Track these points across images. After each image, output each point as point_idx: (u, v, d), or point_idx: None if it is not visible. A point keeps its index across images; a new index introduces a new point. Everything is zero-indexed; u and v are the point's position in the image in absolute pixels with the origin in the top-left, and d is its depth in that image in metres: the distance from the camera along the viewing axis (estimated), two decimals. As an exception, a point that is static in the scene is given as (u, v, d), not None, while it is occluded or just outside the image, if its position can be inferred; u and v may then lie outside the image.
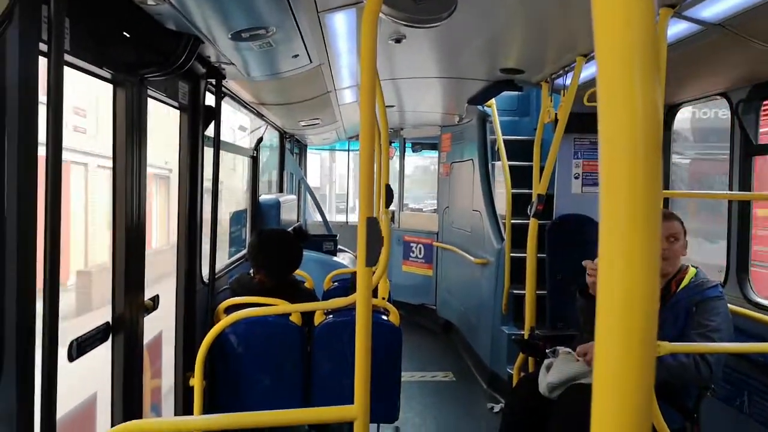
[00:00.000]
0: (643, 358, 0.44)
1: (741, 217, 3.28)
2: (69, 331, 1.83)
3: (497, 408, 4.46)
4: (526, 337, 3.48)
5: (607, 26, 0.44)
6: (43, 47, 1.51)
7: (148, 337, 2.48)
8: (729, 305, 2.65)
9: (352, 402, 1.40)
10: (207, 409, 2.69)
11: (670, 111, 3.88)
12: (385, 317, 3.08)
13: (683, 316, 2.58)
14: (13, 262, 1.43)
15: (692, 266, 2.71)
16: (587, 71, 3.09)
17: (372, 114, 1.29)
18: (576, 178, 4.52)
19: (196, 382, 2.58)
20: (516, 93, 5.32)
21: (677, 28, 2.33)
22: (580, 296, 2.92)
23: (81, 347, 1.92)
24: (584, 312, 2.91)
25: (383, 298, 3.22)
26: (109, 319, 2.21)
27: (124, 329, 2.24)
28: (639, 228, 0.43)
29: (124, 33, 2.03)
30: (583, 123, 3.85)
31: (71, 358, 1.87)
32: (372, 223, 1.28)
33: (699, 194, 3.77)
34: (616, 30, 0.44)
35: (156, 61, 2.20)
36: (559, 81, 3.40)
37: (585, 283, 2.81)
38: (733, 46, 2.42)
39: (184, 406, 2.89)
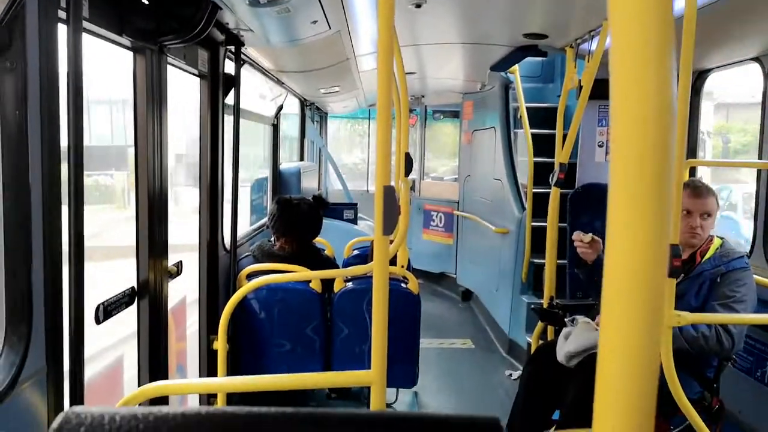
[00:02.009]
0: (650, 330, 0.44)
1: (770, 187, 3.20)
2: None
3: (515, 375, 4.50)
4: (545, 306, 3.48)
5: None
6: (62, 15, 1.51)
7: (172, 302, 2.54)
8: (754, 276, 2.61)
9: (370, 367, 1.43)
10: (230, 372, 2.76)
11: (700, 77, 3.76)
12: (404, 285, 3.11)
13: (707, 286, 2.55)
14: (39, 228, 1.47)
15: (718, 237, 2.67)
16: (613, 36, 2.99)
17: (389, 81, 1.27)
18: (600, 146, 4.43)
19: (220, 345, 2.64)
20: (540, 59, 5.21)
21: (709, -11, 2.24)
22: (578, 270, 2.94)
23: (107, 310, 1.98)
24: (588, 282, 2.95)
25: (402, 267, 3.24)
26: (135, 284, 2.26)
27: (149, 294, 2.29)
28: (648, 196, 0.43)
29: (143, 0, 2.03)
30: (608, 90, 3.75)
31: (98, 321, 1.93)
32: (389, 192, 1.27)
33: (725, 163, 3.67)
34: None
35: (175, 28, 2.19)
36: (585, 46, 3.30)
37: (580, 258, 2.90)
38: (766, 9, 2.32)
39: (208, 368, 2.97)
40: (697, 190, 2.59)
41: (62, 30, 1.52)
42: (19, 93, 1.40)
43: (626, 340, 0.44)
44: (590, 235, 2.86)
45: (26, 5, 1.39)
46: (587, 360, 2.60)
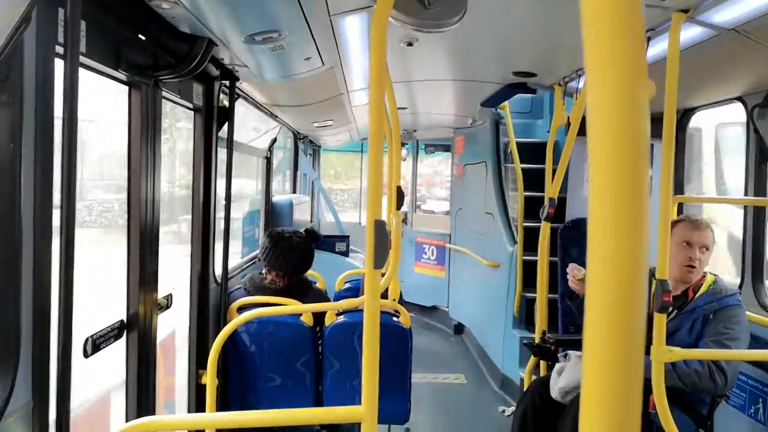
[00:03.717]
0: (630, 366, 0.45)
1: (756, 224, 3.24)
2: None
3: (509, 411, 4.45)
4: (537, 340, 3.47)
5: (595, 37, 0.45)
6: (59, 50, 1.54)
7: (161, 335, 2.51)
8: (746, 313, 2.63)
9: (361, 402, 1.42)
10: (219, 407, 2.71)
11: (685, 115, 3.84)
12: (395, 319, 3.09)
13: (700, 323, 2.56)
14: (29, 260, 1.47)
15: (711, 273, 2.69)
16: (600, 74, 3.07)
17: (380, 116, 1.30)
18: (588, 181, 4.49)
19: (209, 379, 2.61)
20: (529, 95, 5.31)
21: (691, 33, 2.31)
22: (571, 302, 2.96)
23: (96, 344, 1.96)
24: (581, 314, 2.96)
25: (394, 300, 3.23)
26: (124, 317, 2.24)
27: (138, 327, 2.27)
28: (624, 234, 0.44)
29: (140, 36, 2.07)
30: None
31: (86, 354, 1.91)
32: (380, 226, 1.29)
33: (713, 199, 3.73)
34: (604, 38, 0.44)
35: (171, 63, 2.23)
36: (573, 84, 3.38)
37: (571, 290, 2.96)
38: (748, 51, 2.40)
39: (196, 404, 2.92)
40: (696, 223, 2.64)
41: (58, 64, 1.54)
42: (14, 127, 1.41)
43: (608, 374, 0.45)
44: (584, 272, 2.89)
45: (24, 40, 1.41)
46: (581, 396, 2.59)
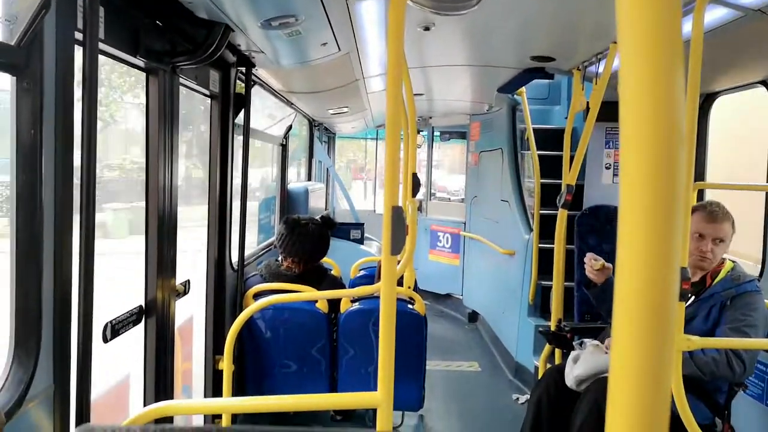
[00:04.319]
0: (662, 353, 0.44)
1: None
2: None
3: (522, 399, 4.44)
4: (553, 328, 3.45)
5: (630, 13, 0.43)
6: (78, 36, 1.54)
7: (179, 321, 2.54)
8: (765, 300, 2.59)
9: (376, 389, 1.41)
10: (235, 392, 2.74)
11: (707, 100, 3.77)
12: (410, 306, 3.10)
13: (717, 309, 2.53)
14: (50, 246, 1.48)
15: (729, 260, 2.65)
16: (620, 59, 3.01)
17: (398, 104, 1.29)
18: (607, 168, 4.44)
19: (225, 365, 2.63)
20: (547, 81, 5.24)
21: (715, 14, 2.26)
22: (588, 291, 2.94)
23: (115, 329, 1.99)
24: (598, 303, 2.95)
25: (409, 287, 3.23)
26: (143, 302, 2.27)
27: (156, 313, 2.30)
28: (658, 219, 0.43)
29: (157, 22, 2.07)
30: (616, 112, 3.71)
31: (105, 339, 1.93)
32: (397, 212, 1.27)
33: (734, 186, 3.67)
34: (640, 17, 0.43)
35: (188, 49, 2.23)
36: (592, 69, 3.32)
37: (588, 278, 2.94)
38: (774, 33, 2.34)
39: (213, 389, 2.96)
40: (712, 214, 2.56)
41: (77, 50, 1.55)
42: (35, 113, 1.42)
43: (638, 363, 0.44)
44: (601, 262, 2.87)
45: (44, 26, 1.42)
46: (596, 384, 2.57)
